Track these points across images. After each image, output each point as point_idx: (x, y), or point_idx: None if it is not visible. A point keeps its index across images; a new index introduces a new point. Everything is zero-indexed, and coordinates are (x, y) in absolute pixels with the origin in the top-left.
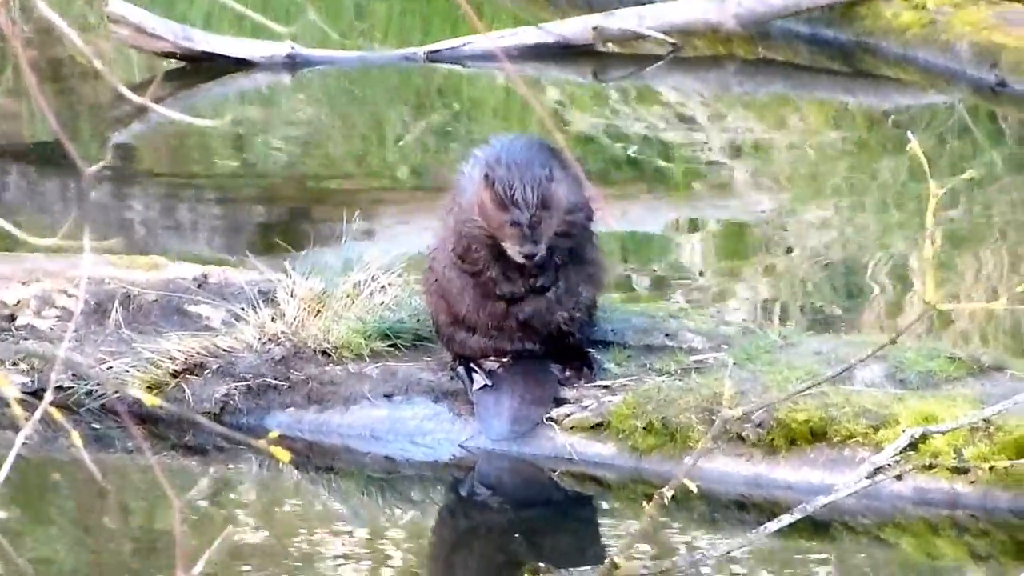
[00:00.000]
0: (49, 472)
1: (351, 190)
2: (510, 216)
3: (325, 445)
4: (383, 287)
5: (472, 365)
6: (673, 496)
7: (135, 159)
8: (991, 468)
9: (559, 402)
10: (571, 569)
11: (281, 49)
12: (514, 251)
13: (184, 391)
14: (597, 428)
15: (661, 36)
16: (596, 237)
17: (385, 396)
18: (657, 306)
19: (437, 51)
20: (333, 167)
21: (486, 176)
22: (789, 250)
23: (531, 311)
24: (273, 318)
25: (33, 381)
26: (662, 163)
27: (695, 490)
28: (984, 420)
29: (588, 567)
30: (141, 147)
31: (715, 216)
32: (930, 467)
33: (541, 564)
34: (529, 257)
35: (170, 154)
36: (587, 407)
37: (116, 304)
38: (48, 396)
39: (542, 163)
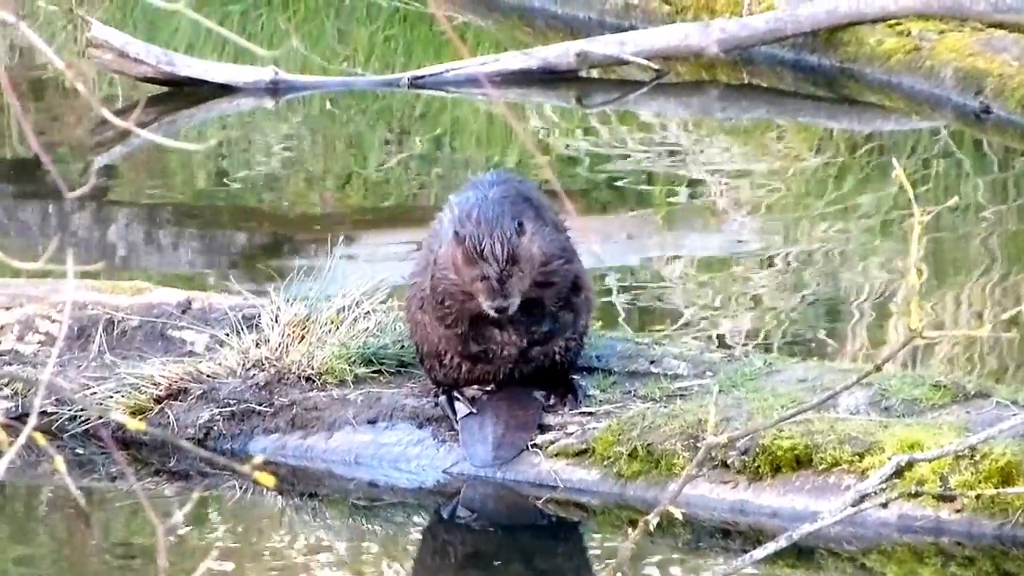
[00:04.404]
0: (32, 497)
1: (334, 215)
2: (480, 271)
3: (309, 471)
4: (366, 313)
5: (455, 393)
6: (658, 523)
7: (118, 183)
8: (977, 496)
9: (543, 428)
10: None
11: (264, 74)
12: (485, 305)
13: (167, 416)
14: (581, 454)
15: (644, 62)
16: (582, 265)
17: (369, 422)
18: (641, 332)
19: (420, 76)
20: (316, 192)
21: (456, 233)
22: (773, 276)
23: (529, 343)
24: (257, 343)
25: (16, 406)
26: (645, 189)
27: (680, 517)
28: (969, 447)
29: None
30: (124, 171)
31: (698, 242)
32: (915, 494)
33: None
34: (500, 311)
35: (153, 179)
36: (571, 433)
37: (99, 329)
38: (31, 421)
39: (512, 216)
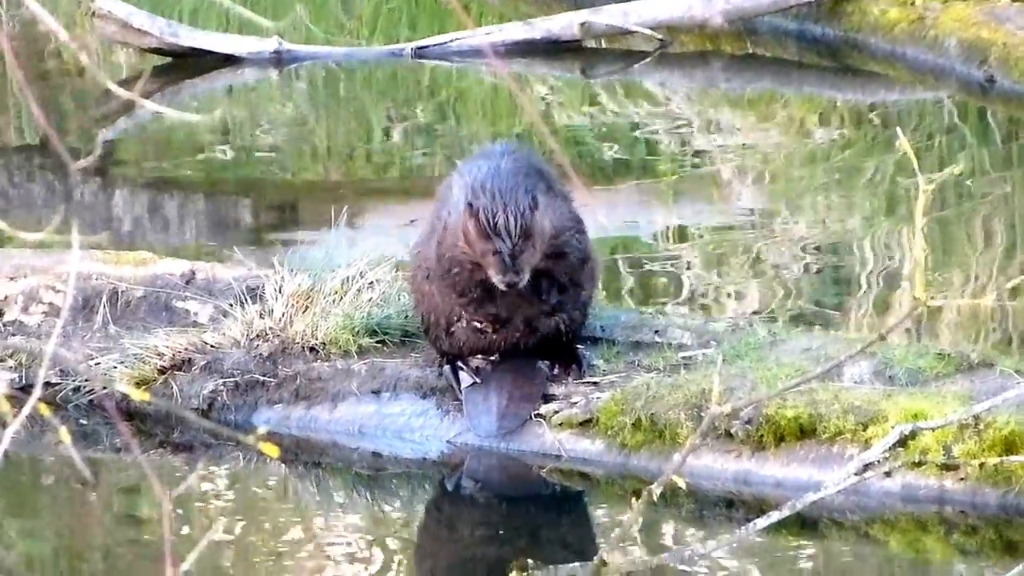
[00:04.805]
0: (37, 468)
1: (338, 186)
2: (492, 245)
3: (313, 441)
4: (371, 283)
5: (459, 364)
6: (661, 493)
7: (122, 154)
8: (980, 465)
9: (547, 399)
10: (559, 565)
11: (268, 45)
12: (496, 280)
13: (171, 387)
14: (585, 425)
15: (648, 32)
16: (588, 236)
17: (373, 392)
18: (645, 303)
19: (424, 47)
20: (320, 163)
21: (470, 205)
22: (777, 246)
23: (535, 313)
24: (261, 314)
25: (20, 377)
26: (649, 159)
27: (683, 487)
28: (973, 417)
29: (577, 563)
30: (128, 142)
31: (703, 212)
32: (919, 464)
33: (529, 560)
34: (510, 286)
35: (157, 149)
36: (575, 404)
37: (104, 300)
38: (36, 392)
39: (526, 190)
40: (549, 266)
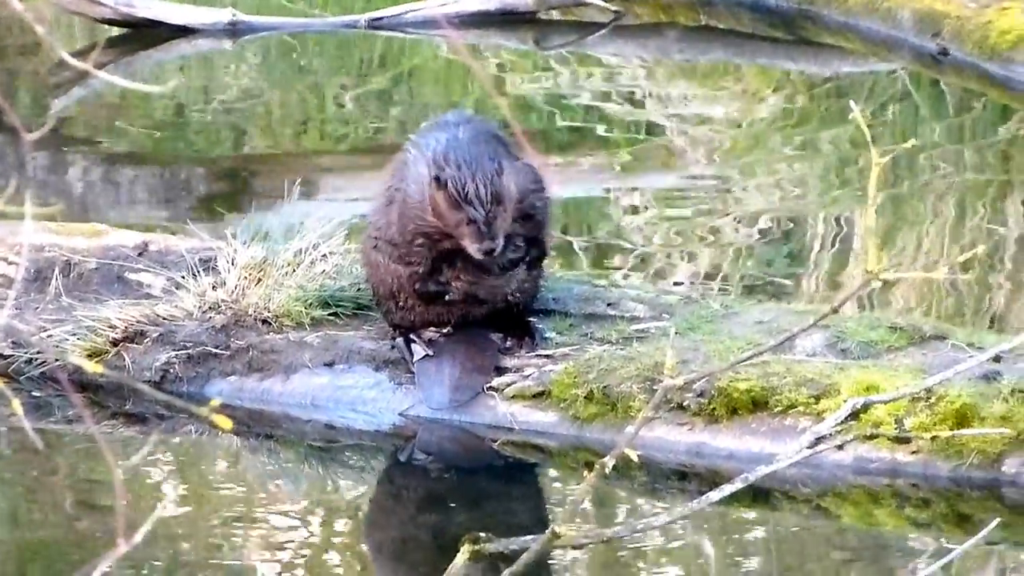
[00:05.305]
0: None
1: (292, 157)
2: (465, 215)
3: (266, 413)
4: (324, 255)
5: (412, 336)
6: (614, 465)
7: (76, 125)
8: (932, 438)
9: (500, 371)
10: (512, 538)
11: (223, 16)
12: (473, 249)
13: (124, 359)
14: (538, 397)
15: (602, 4)
16: (549, 197)
17: (326, 364)
18: (599, 275)
19: (379, 18)
20: (274, 134)
21: (436, 178)
22: (730, 218)
23: (487, 284)
24: (214, 286)
25: None
26: (603, 130)
27: (636, 459)
28: (925, 390)
29: (529, 536)
30: (82, 113)
31: (656, 184)
32: (871, 437)
33: (482, 533)
34: (488, 253)
35: (111, 120)
36: (528, 376)
37: (56, 271)
38: None
39: (490, 156)
40: (517, 230)
